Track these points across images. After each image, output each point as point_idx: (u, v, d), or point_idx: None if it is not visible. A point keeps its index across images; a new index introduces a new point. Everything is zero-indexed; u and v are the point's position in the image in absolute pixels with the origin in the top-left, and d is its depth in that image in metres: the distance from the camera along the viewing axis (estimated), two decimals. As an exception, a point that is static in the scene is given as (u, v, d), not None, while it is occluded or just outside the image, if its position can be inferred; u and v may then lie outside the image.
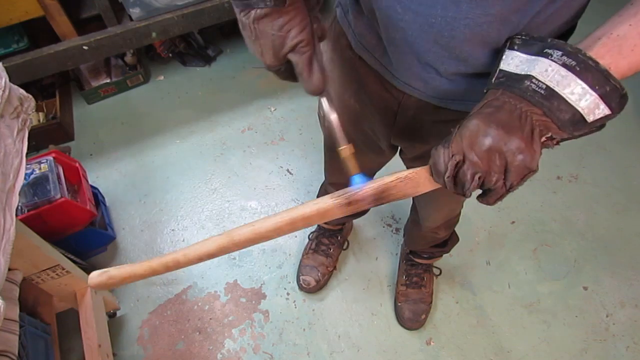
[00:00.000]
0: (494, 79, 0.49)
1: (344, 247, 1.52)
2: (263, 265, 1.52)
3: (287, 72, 0.56)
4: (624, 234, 1.56)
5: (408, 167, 0.98)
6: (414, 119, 0.72)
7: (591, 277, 1.47)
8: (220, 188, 1.72)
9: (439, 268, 1.47)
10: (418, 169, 0.53)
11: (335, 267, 1.49)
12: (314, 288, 1.43)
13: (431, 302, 1.41)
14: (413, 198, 1.12)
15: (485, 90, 0.51)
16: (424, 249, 1.32)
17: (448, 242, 1.29)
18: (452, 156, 0.48)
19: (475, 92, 0.62)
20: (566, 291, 1.45)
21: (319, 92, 0.54)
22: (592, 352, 1.34)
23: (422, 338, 1.37)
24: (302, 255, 1.50)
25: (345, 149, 0.58)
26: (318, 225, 1.47)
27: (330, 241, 1.47)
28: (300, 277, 1.45)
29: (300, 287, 1.45)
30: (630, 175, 1.71)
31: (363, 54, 0.70)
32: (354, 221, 1.59)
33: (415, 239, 1.33)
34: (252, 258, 1.54)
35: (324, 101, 0.57)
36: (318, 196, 1.37)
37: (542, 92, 0.44)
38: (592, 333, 1.37)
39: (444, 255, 1.41)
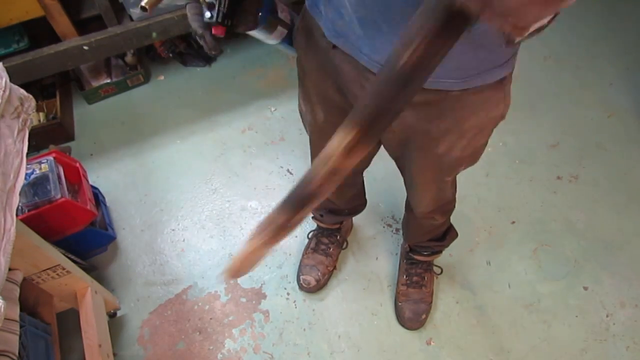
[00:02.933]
0: None
1: (344, 247, 1.52)
2: (263, 265, 1.52)
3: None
4: (624, 234, 1.56)
5: (392, 157, 0.97)
6: None
7: (591, 277, 1.47)
8: (221, 188, 1.72)
9: (439, 267, 1.47)
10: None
11: (335, 267, 1.49)
12: (314, 287, 1.43)
13: (432, 302, 1.41)
14: (405, 184, 1.10)
15: None
16: (422, 241, 1.31)
17: (446, 235, 1.27)
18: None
19: (448, 69, 0.62)
20: (566, 291, 1.45)
21: None
22: (592, 352, 1.34)
23: (422, 338, 1.37)
24: (302, 255, 1.49)
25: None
26: (317, 225, 1.48)
27: (329, 240, 1.47)
28: (301, 277, 1.45)
29: (301, 287, 1.45)
30: (630, 175, 1.71)
31: (337, 41, 0.69)
32: (354, 221, 1.59)
33: (412, 229, 1.31)
34: (252, 258, 1.54)
35: None
36: None
37: None
38: (592, 333, 1.37)
39: (445, 254, 1.41)
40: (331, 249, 1.47)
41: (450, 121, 0.73)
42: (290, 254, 1.54)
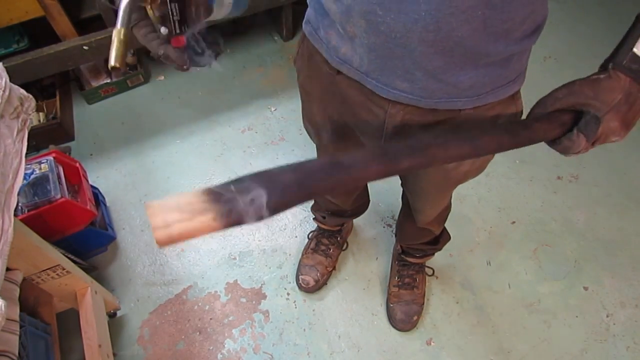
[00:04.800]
0: (625, 61, 0.54)
1: (344, 248, 1.52)
2: (263, 266, 1.52)
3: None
4: (624, 234, 1.56)
5: (403, 180, 0.97)
6: (402, 126, 0.70)
7: (591, 277, 1.47)
8: (221, 188, 1.72)
9: (431, 268, 1.47)
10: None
11: (334, 267, 1.49)
12: (313, 288, 1.43)
13: (423, 304, 1.41)
14: (406, 192, 1.11)
15: (610, 66, 0.55)
16: (415, 245, 1.31)
17: (440, 239, 1.27)
18: (586, 148, 0.57)
19: (461, 89, 0.62)
20: (566, 291, 1.45)
21: None
22: (593, 352, 1.34)
23: (422, 338, 1.37)
24: (302, 255, 1.49)
25: (119, 31, 0.54)
26: (317, 226, 1.47)
27: (329, 241, 1.47)
28: (300, 277, 1.45)
29: (300, 287, 1.45)
30: (630, 175, 1.71)
31: (341, 67, 0.68)
32: (354, 221, 1.59)
33: (408, 234, 1.31)
34: (252, 258, 1.54)
35: None
36: (315, 200, 1.36)
37: None
38: (592, 333, 1.37)
39: (445, 254, 1.41)
40: (331, 250, 1.47)
41: None
42: (290, 254, 1.54)
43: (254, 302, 1.45)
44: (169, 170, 1.78)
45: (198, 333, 1.40)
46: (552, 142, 0.61)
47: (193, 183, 1.74)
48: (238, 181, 0.43)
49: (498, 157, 1.87)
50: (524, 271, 1.49)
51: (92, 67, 2.02)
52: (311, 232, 1.52)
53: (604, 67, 0.56)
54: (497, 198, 1.65)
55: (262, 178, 0.44)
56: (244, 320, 1.42)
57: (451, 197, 1.10)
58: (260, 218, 0.43)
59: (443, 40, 0.54)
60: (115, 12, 0.54)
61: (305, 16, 0.72)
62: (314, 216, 1.43)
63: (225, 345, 1.37)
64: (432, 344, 1.36)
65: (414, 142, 0.53)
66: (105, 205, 1.60)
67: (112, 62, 0.53)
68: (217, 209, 0.41)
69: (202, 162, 1.80)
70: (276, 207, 0.44)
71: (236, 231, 1.60)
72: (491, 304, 1.43)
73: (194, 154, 1.82)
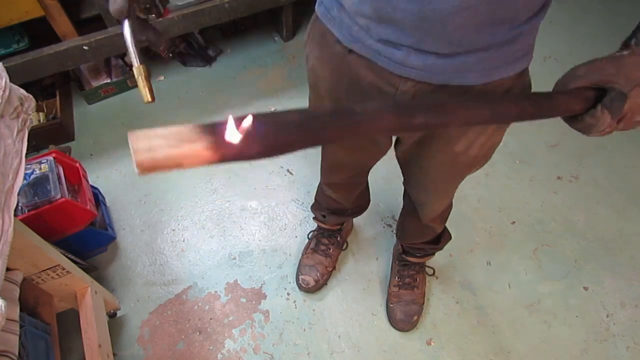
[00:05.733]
0: None
1: (344, 248, 1.52)
2: (263, 265, 1.52)
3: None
4: (624, 234, 1.56)
5: (400, 158, 0.96)
6: None
7: (591, 277, 1.47)
8: (220, 188, 1.72)
9: (432, 267, 1.47)
10: None
11: (334, 267, 1.49)
12: (313, 288, 1.43)
13: (423, 304, 1.40)
14: (410, 188, 1.10)
15: (633, 42, 0.54)
16: (417, 244, 1.30)
17: (441, 238, 1.27)
18: (611, 127, 0.55)
19: (471, 64, 0.62)
20: (566, 291, 1.45)
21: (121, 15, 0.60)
22: (593, 353, 1.34)
23: (422, 338, 1.37)
24: (302, 255, 1.49)
25: (139, 68, 0.57)
26: (317, 225, 1.47)
27: (329, 241, 1.47)
28: (300, 277, 1.45)
29: (300, 287, 1.45)
30: (630, 175, 1.71)
31: (353, 46, 0.68)
32: (354, 221, 1.59)
33: (410, 232, 1.30)
34: (252, 258, 1.54)
35: (126, 25, 0.60)
36: (316, 197, 1.36)
37: None
38: (592, 333, 1.37)
39: (445, 254, 1.41)
40: (331, 250, 1.47)
41: None
42: (290, 254, 1.54)
43: (254, 302, 1.45)
44: (169, 170, 1.78)
45: (198, 333, 1.40)
46: (574, 120, 0.58)
47: (193, 183, 1.74)
48: (239, 117, 0.41)
49: (498, 157, 1.87)
50: (524, 271, 1.49)
51: (92, 67, 2.02)
52: (311, 231, 1.52)
53: (625, 45, 0.55)
54: (497, 198, 1.65)
55: (265, 115, 0.41)
56: (244, 320, 1.42)
57: (454, 194, 1.09)
58: (259, 154, 0.40)
59: (449, 33, 0.56)
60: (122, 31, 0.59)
61: None
62: (313, 215, 1.43)
63: (225, 345, 1.37)
64: (432, 344, 1.36)
65: (431, 99, 0.51)
66: (105, 205, 1.60)
67: (146, 99, 0.57)
68: (210, 138, 0.37)
69: (202, 162, 1.79)
70: (276, 143, 0.41)
71: (236, 231, 1.61)
72: (491, 304, 1.43)
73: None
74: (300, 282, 1.44)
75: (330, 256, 1.46)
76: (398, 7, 0.56)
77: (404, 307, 1.38)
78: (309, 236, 1.52)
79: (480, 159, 0.84)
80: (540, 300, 1.43)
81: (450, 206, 1.14)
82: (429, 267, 1.47)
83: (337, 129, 0.45)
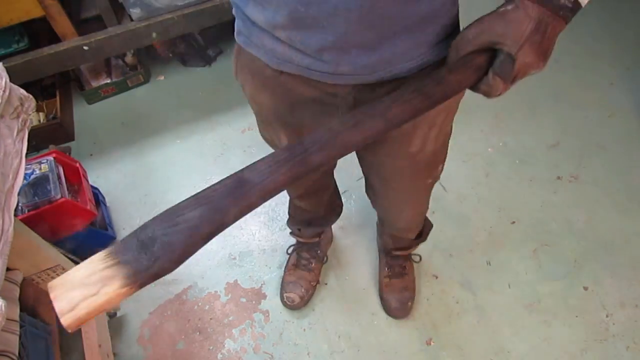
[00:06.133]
0: None
1: (324, 261, 1.49)
2: (263, 265, 1.52)
3: None
4: (624, 234, 1.56)
5: (359, 155, 0.95)
6: (356, 105, 0.70)
7: (591, 277, 1.47)
8: (221, 188, 1.72)
9: (418, 255, 1.48)
10: None
11: (318, 282, 1.46)
12: (299, 304, 1.40)
13: (415, 289, 1.42)
14: (376, 205, 1.10)
15: None
16: (398, 239, 1.32)
17: (423, 232, 1.27)
18: (506, 88, 0.56)
19: (398, 55, 0.62)
20: (566, 291, 1.45)
21: None
22: (592, 352, 1.34)
23: (422, 338, 1.37)
24: (284, 272, 1.46)
25: None
26: (296, 240, 1.46)
27: (310, 254, 1.44)
28: (284, 295, 1.41)
29: (285, 305, 1.41)
30: (630, 175, 1.71)
31: (283, 67, 0.67)
32: (354, 219, 1.59)
33: (387, 243, 1.33)
34: (252, 258, 1.54)
35: None
36: (289, 212, 1.33)
37: (570, 5, 0.51)
38: (592, 333, 1.37)
39: (445, 254, 1.40)
40: (312, 264, 1.44)
41: None
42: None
43: (254, 302, 1.45)
44: (169, 170, 1.78)
45: (198, 333, 1.40)
46: (471, 89, 0.59)
47: (193, 183, 1.74)
48: (143, 229, 0.41)
49: (498, 157, 1.86)
50: (524, 271, 1.49)
51: (92, 67, 2.03)
52: (290, 246, 1.50)
53: None
54: (497, 198, 1.65)
55: (165, 220, 0.42)
56: (244, 320, 1.42)
57: (426, 207, 1.08)
58: (172, 267, 0.41)
59: (367, 16, 0.55)
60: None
61: (235, 28, 0.72)
62: (290, 230, 1.41)
63: (225, 345, 1.37)
64: (432, 344, 1.36)
65: (322, 134, 0.50)
66: (105, 205, 1.60)
67: None
68: (122, 272, 0.38)
69: (202, 162, 1.80)
70: (184, 254, 0.43)
71: (235, 231, 1.61)
72: (491, 303, 1.43)
73: (194, 154, 1.82)
74: (285, 300, 1.40)
75: (312, 270, 1.44)
76: (311, 2, 0.54)
77: (398, 295, 1.39)
78: (288, 252, 1.49)
79: (439, 153, 0.85)
80: (540, 300, 1.43)
81: (421, 218, 1.13)
82: (415, 254, 1.47)
83: (240, 208, 0.45)
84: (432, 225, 1.29)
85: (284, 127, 0.82)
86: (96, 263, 0.38)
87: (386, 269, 1.42)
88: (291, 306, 1.41)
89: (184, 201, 0.43)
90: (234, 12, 0.69)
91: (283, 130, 0.83)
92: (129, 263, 0.38)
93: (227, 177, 0.47)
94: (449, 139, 0.85)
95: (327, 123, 0.70)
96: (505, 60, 0.54)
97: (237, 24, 0.71)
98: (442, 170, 0.92)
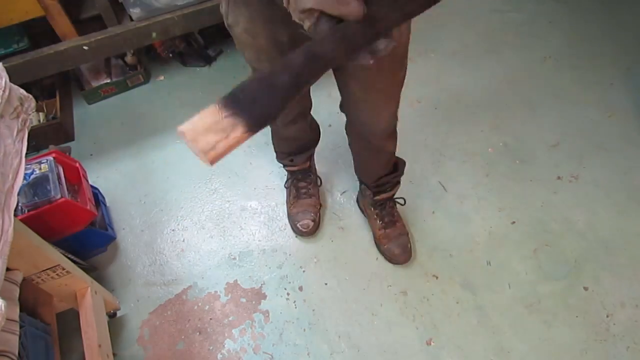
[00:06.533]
0: None
1: (319, 184, 1.59)
2: (263, 266, 1.52)
3: None
4: (624, 234, 1.56)
5: (341, 69, 0.98)
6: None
7: (591, 277, 1.47)
8: (221, 188, 1.72)
9: (402, 198, 1.54)
10: None
11: (321, 205, 1.56)
12: (314, 228, 1.49)
13: (408, 233, 1.51)
14: (351, 112, 1.15)
15: None
16: (380, 178, 1.37)
17: (397, 166, 1.37)
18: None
19: None
20: (566, 291, 1.45)
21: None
22: (593, 353, 1.34)
23: (422, 338, 1.37)
24: (288, 206, 1.54)
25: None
26: (289, 172, 1.53)
27: (307, 182, 1.52)
28: (297, 224, 1.48)
29: (300, 233, 1.49)
30: (630, 175, 1.71)
31: None
32: (361, 223, 1.59)
33: (367, 162, 1.37)
34: (252, 258, 1.54)
35: None
36: (275, 149, 1.44)
37: None
38: (592, 333, 1.37)
39: (445, 254, 1.40)
40: (311, 190, 1.52)
41: None
42: (290, 254, 1.54)
43: (254, 302, 1.45)
44: (169, 170, 1.78)
45: (198, 333, 1.40)
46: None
47: (193, 183, 1.74)
48: (242, 89, 0.47)
49: (498, 157, 1.86)
50: (524, 271, 1.49)
51: (92, 67, 2.03)
52: (285, 182, 1.57)
53: None
54: (497, 198, 1.65)
55: (260, 84, 0.48)
56: (244, 320, 1.42)
57: (396, 107, 1.12)
58: (284, 106, 0.47)
59: None
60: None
61: None
62: (282, 164, 1.49)
63: (225, 345, 1.37)
64: (432, 344, 1.36)
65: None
66: (105, 205, 1.60)
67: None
68: (244, 121, 0.46)
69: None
70: (284, 102, 0.48)
71: (235, 231, 1.61)
72: (491, 303, 1.43)
73: (194, 154, 1.82)
74: (300, 227, 1.48)
75: (313, 195, 1.52)
76: None
77: (397, 242, 1.47)
78: (286, 186, 1.57)
79: (406, 44, 0.90)
80: (540, 300, 1.43)
81: (395, 119, 1.18)
82: (398, 198, 1.53)
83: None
84: (405, 162, 1.37)
85: (276, 47, 0.85)
86: (217, 114, 0.45)
87: (378, 221, 1.48)
88: (307, 232, 1.49)
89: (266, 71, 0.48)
90: None
91: (265, 31, 0.86)
92: (246, 112, 0.46)
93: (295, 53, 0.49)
94: (409, 43, 0.92)
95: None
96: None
97: None
98: (403, 74, 1.00)
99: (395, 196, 1.51)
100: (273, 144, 1.44)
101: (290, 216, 1.53)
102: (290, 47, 0.82)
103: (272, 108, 0.48)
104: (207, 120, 0.46)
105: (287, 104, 0.48)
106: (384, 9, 0.48)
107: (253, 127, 0.47)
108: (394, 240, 1.48)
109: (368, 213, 1.54)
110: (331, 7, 0.46)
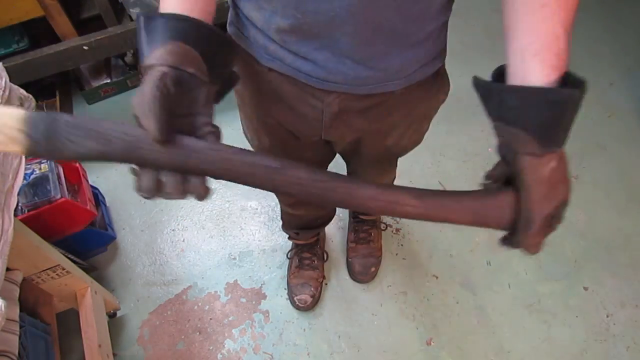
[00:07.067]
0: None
1: (325, 259, 1.50)
2: (263, 266, 1.52)
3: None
4: (624, 234, 1.56)
5: (341, 153, 0.99)
6: (339, 113, 0.70)
7: (591, 277, 1.47)
8: (220, 188, 1.72)
9: (384, 223, 1.53)
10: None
11: (324, 277, 1.47)
12: (312, 304, 1.40)
13: (380, 256, 1.48)
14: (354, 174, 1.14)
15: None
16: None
17: None
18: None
19: (391, 72, 0.64)
20: (566, 291, 1.45)
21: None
22: (593, 353, 1.34)
23: (422, 338, 1.37)
24: (289, 276, 1.45)
25: None
26: (294, 243, 1.45)
27: (311, 253, 1.44)
28: (295, 298, 1.40)
29: (297, 307, 1.40)
30: (630, 175, 1.71)
31: (272, 65, 0.66)
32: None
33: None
34: (252, 258, 1.54)
35: None
36: (282, 218, 1.33)
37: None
38: (592, 333, 1.37)
39: (445, 254, 1.40)
40: (315, 262, 1.44)
41: (398, 116, 0.76)
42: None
43: (254, 302, 1.45)
44: (169, 170, 1.78)
45: (198, 333, 1.40)
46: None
47: (193, 183, 1.73)
48: (56, 122, 0.44)
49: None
50: (524, 271, 1.49)
51: (92, 67, 2.02)
52: (289, 251, 1.49)
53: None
54: (497, 198, 1.65)
55: (81, 129, 0.45)
56: (244, 320, 1.42)
57: (395, 171, 1.16)
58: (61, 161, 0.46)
59: (362, 30, 0.56)
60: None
61: (229, 18, 0.71)
62: (287, 235, 1.42)
63: (225, 345, 1.37)
64: (432, 344, 1.36)
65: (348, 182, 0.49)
66: (105, 205, 1.60)
67: None
68: (26, 144, 0.43)
69: (202, 162, 1.79)
70: (79, 160, 0.47)
71: (235, 231, 1.60)
72: (491, 304, 1.43)
73: None
74: (297, 302, 1.39)
75: (317, 268, 1.44)
76: (307, 10, 0.54)
77: (361, 260, 1.45)
78: (289, 256, 1.49)
79: (411, 145, 0.91)
80: (540, 300, 1.43)
81: (392, 178, 1.21)
82: (382, 222, 1.52)
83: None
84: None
85: (263, 126, 0.83)
86: (15, 120, 0.42)
87: (352, 233, 1.47)
88: (304, 307, 1.40)
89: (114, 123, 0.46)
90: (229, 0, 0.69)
91: (263, 129, 0.84)
92: (35, 142, 0.43)
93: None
94: (425, 133, 0.91)
95: (308, 127, 0.73)
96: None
97: (231, 14, 0.71)
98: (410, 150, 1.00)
99: (381, 220, 1.52)
100: (280, 212, 1.33)
101: (289, 287, 1.44)
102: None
103: (73, 156, 0.45)
104: (2, 119, 0.43)
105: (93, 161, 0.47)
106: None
107: (35, 155, 0.45)
108: (361, 257, 1.45)
109: (348, 222, 1.53)
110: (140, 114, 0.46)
